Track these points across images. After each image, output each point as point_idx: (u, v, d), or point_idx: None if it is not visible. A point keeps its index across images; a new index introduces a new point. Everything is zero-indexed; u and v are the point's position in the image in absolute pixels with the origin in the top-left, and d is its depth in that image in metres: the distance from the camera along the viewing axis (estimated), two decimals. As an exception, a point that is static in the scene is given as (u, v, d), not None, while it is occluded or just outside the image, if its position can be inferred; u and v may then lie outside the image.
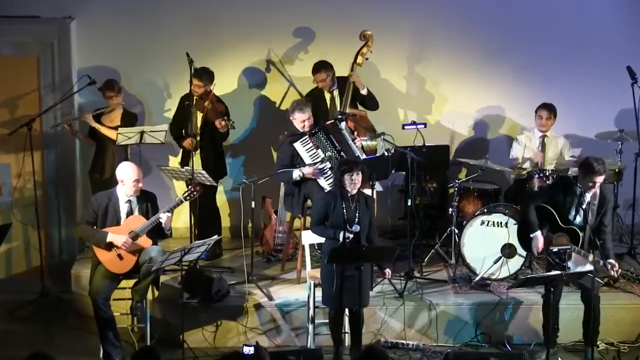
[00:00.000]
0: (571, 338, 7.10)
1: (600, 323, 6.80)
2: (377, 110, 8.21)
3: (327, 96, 8.17)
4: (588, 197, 6.66)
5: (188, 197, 6.96)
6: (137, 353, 5.29)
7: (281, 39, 8.72)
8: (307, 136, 7.46)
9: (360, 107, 8.19)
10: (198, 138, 8.01)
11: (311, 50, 8.69)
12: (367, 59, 8.17)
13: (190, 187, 7.08)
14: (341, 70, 8.22)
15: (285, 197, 7.78)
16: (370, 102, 8.16)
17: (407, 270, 7.57)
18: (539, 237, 6.75)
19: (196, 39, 8.52)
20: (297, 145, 7.46)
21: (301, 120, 7.46)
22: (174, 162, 8.50)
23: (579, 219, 6.69)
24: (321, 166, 7.41)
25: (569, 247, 6.61)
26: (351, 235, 6.46)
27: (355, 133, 7.79)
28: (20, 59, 8.56)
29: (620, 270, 6.73)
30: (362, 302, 6.60)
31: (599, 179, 6.59)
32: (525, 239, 6.90)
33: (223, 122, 7.86)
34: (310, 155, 7.46)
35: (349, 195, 6.55)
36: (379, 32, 8.26)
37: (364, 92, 8.10)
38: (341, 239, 6.44)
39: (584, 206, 6.65)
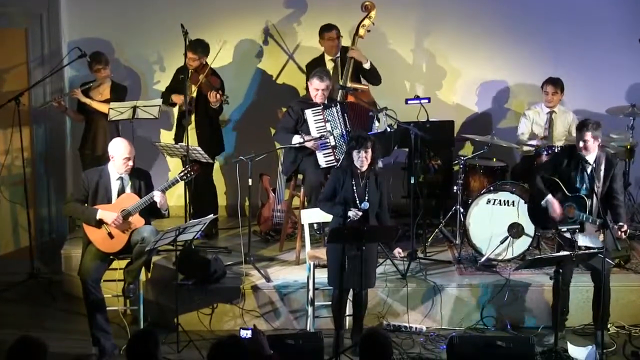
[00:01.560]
0: (580, 321, 6.99)
1: (610, 304, 6.69)
2: (379, 85, 8.10)
3: (330, 65, 8.00)
4: (590, 160, 6.58)
5: (184, 177, 6.79)
6: (135, 336, 5.06)
7: (278, 10, 8.56)
8: (321, 107, 7.30)
9: (363, 82, 8.06)
10: (193, 114, 7.86)
11: (304, 22, 8.55)
12: (369, 31, 8.02)
13: (187, 166, 6.90)
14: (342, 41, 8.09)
15: (284, 159, 7.68)
16: (373, 76, 8.03)
17: (411, 251, 7.45)
18: (551, 201, 6.64)
19: (191, 9, 8.37)
20: (308, 112, 7.33)
21: (316, 88, 7.29)
22: (168, 136, 8.34)
23: (585, 186, 6.61)
24: (326, 140, 7.27)
25: (579, 215, 6.50)
26: (359, 214, 6.34)
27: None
28: (7, 30, 8.39)
29: (628, 231, 6.59)
30: (366, 283, 6.48)
31: (587, 135, 6.55)
32: (538, 214, 6.75)
33: (218, 96, 7.69)
34: (318, 128, 7.32)
35: (359, 172, 6.42)
36: (382, 2, 8.09)
37: (366, 65, 7.96)
38: (349, 217, 6.32)
39: (588, 171, 6.58)
